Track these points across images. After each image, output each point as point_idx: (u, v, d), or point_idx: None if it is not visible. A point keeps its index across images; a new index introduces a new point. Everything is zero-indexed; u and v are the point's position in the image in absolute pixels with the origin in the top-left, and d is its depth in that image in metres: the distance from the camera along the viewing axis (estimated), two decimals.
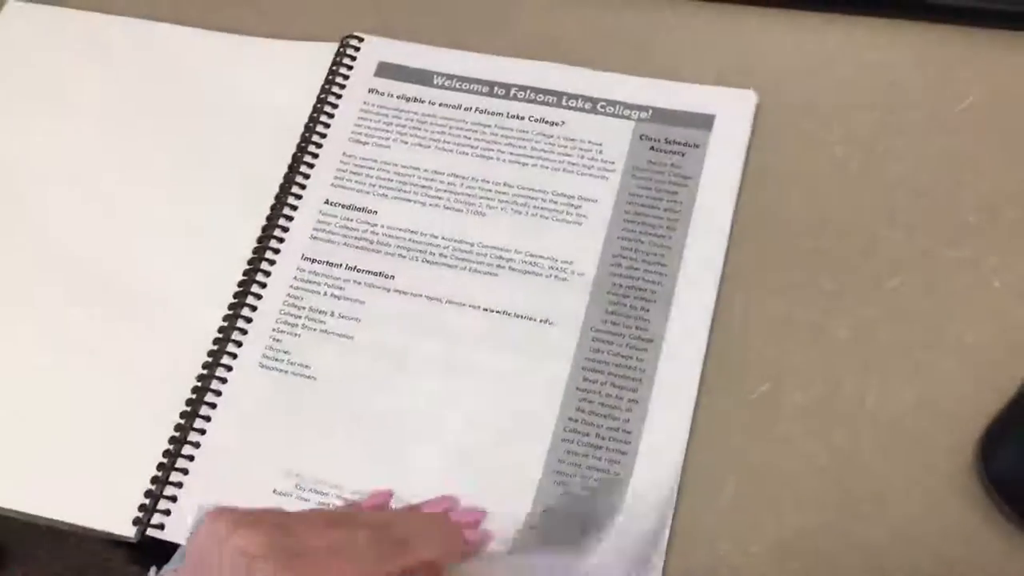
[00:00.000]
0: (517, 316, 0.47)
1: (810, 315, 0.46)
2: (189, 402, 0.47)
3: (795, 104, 0.51)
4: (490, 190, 0.50)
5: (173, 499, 0.44)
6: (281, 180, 0.52)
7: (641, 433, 0.44)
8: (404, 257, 0.49)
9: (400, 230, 0.50)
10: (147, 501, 0.45)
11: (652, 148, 0.50)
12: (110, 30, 0.57)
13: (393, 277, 0.48)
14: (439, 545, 0.39)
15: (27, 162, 0.54)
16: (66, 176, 0.53)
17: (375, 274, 0.49)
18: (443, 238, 0.49)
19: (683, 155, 0.50)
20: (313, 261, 0.49)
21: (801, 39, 0.53)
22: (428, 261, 0.49)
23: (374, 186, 0.51)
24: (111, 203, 0.52)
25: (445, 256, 0.49)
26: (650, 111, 0.51)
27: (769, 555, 0.42)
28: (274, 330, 0.48)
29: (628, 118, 0.51)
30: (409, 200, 0.50)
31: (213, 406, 0.46)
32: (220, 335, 0.48)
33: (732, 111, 0.51)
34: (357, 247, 0.50)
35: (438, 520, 0.41)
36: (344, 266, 0.49)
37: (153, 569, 0.64)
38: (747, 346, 0.46)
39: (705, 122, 0.51)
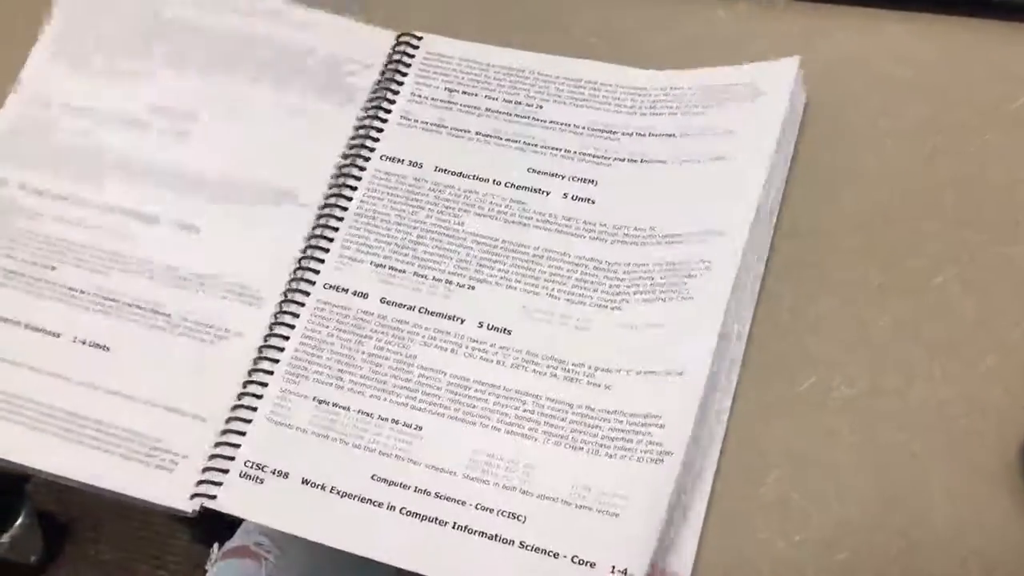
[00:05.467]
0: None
1: (857, 309, 0.46)
2: (250, 372, 0.48)
3: (845, 98, 0.51)
4: None
5: (225, 472, 0.46)
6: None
7: None
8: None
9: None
10: (205, 476, 0.46)
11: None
12: None
13: None
14: None
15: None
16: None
17: None
18: None
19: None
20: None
21: (852, 34, 0.53)
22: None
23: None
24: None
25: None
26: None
27: (813, 546, 0.42)
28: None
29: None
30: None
31: (264, 384, 0.48)
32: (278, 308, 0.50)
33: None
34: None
35: None
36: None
37: (216, 546, 0.66)
38: (794, 339, 0.46)
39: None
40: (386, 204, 0.51)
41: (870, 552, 0.42)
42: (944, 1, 0.52)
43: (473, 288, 0.48)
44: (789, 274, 0.48)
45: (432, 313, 0.48)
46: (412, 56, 0.56)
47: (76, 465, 0.47)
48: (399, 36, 0.56)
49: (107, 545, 0.90)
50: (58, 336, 0.50)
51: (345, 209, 0.51)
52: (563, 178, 0.51)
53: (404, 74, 0.55)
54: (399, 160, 0.53)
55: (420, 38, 0.56)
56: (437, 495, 0.44)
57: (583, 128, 0.52)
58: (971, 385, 0.44)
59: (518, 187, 0.51)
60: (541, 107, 0.53)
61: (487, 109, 0.54)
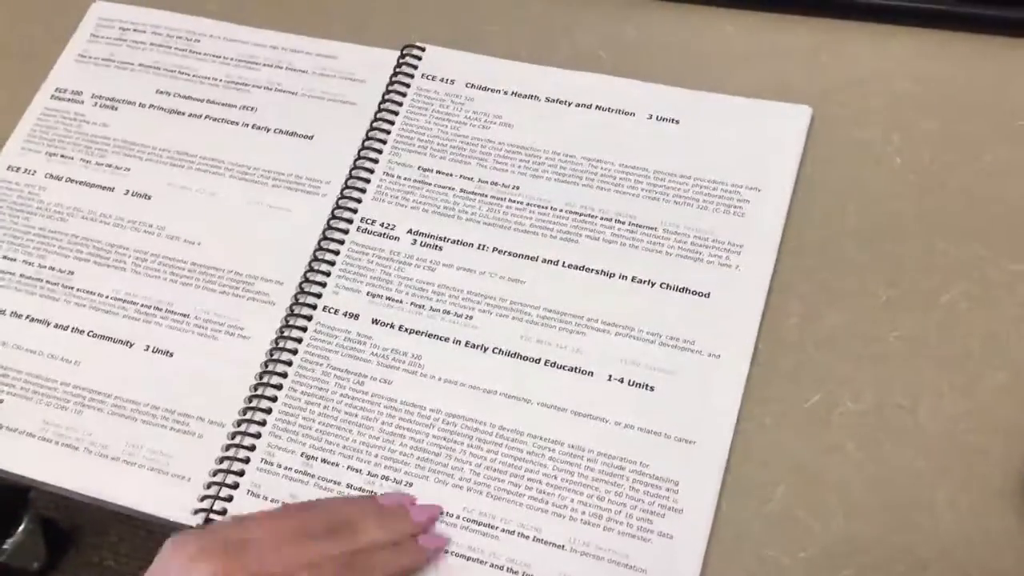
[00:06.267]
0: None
1: (864, 325, 0.46)
2: (256, 387, 0.49)
3: (852, 114, 0.51)
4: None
5: (235, 486, 0.46)
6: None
7: None
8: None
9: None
10: (209, 491, 0.46)
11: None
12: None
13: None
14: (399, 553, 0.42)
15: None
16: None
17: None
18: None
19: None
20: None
21: (860, 49, 0.53)
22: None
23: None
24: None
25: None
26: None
27: (818, 561, 0.42)
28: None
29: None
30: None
31: (274, 399, 0.48)
32: (277, 335, 0.50)
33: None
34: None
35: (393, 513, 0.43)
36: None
37: None
38: (801, 355, 0.46)
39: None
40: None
41: (875, 569, 0.42)
42: (953, 17, 0.52)
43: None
44: (795, 289, 0.48)
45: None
46: (411, 76, 0.56)
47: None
48: (403, 48, 0.57)
49: (109, 552, 0.90)
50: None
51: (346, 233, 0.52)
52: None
53: (399, 105, 0.55)
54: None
55: (423, 49, 0.57)
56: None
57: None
58: (978, 402, 0.44)
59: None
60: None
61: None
